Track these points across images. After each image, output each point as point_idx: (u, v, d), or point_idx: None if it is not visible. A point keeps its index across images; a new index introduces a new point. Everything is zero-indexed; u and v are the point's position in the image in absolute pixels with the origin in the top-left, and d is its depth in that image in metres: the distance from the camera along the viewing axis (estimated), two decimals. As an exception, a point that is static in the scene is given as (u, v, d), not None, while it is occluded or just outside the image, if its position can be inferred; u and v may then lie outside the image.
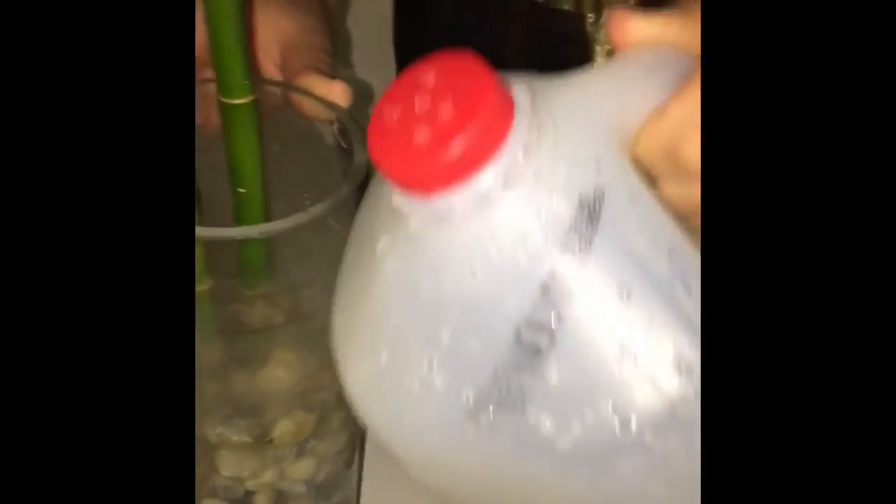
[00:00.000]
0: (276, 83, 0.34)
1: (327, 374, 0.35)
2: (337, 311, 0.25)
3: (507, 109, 0.22)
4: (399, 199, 0.22)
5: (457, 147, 0.21)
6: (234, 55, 0.31)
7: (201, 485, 0.34)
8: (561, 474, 0.23)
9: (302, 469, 0.35)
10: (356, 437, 0.37)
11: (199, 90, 0.34)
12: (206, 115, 0.34)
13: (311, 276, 0.33)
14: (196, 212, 0.31)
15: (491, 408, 0.22)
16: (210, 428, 0.33)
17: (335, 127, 0.34)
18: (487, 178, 0.22)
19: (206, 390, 0.33)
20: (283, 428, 0.33)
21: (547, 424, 0.22)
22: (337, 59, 0.39)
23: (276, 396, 0.34)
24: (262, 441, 0.33)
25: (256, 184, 0.33)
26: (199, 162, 0.30)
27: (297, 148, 0.36)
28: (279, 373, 0.33)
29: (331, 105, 0.34)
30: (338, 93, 0.34)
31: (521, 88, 0.23)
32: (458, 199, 0.22)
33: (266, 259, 0.33)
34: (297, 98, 0.34)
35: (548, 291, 0.21)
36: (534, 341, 0.22)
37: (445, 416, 0.22)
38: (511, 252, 0.22)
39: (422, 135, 0.21)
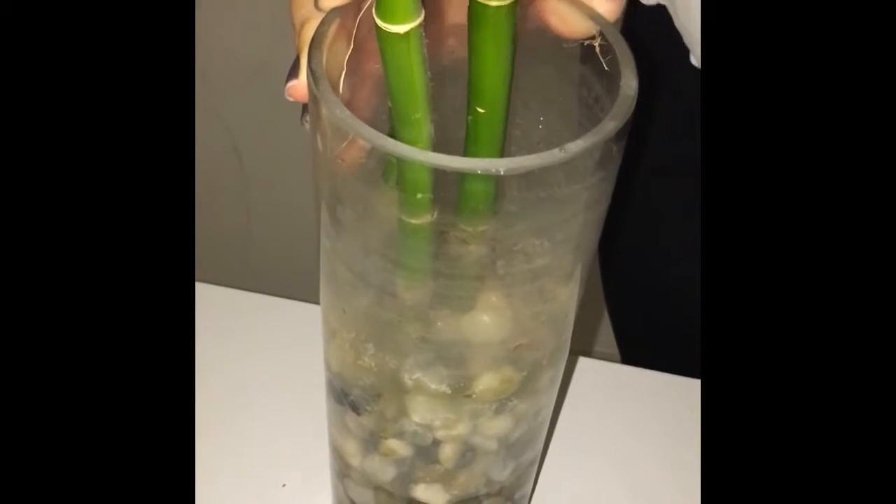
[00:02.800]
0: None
1: (542, 329, 0.31)
2: None
3: None
4: None
5: None
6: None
7: (388, 425, 0.31)
8: None
9: (498, 427, 0.31)
10: (557, 397, 0.33)
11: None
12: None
13: (544, 222, 0.28)
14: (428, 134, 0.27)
15: None
16: (407, 372, 0.29)
17: (597, 43, 0.29)
18: None
19: (408, 332, 0.29)
20: (486, 384, 0.30)
21: None
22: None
23: (483, 348, 0.30)
24: (460, 394, 0.30)
25: (500, 104, 0.27)
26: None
27: (527, 59, 0.30)
28: (484, 319, 0.29)
29: (593, 17, 0.28)
30: (605, 3, 0.28)
31: None
32: None
33: (494, 193, 0.28)
34: (551, 7, 0.28)
35: None
36: None
37: None
38: None
39: None
